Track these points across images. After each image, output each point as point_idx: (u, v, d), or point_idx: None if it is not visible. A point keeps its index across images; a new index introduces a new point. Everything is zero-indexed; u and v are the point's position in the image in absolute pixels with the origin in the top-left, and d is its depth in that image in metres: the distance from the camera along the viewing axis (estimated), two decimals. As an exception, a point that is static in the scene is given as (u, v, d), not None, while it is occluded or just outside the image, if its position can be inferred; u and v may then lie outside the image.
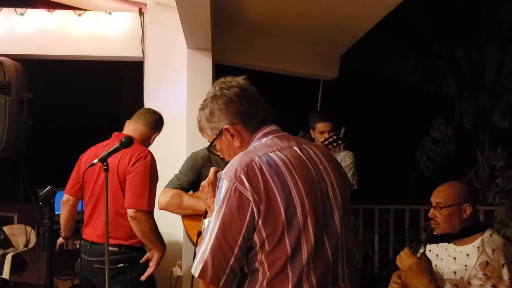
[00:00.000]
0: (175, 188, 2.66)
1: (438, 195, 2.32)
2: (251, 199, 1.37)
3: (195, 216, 2.61)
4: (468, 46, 8.52)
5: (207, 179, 1.67)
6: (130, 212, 2.56)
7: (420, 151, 8.24)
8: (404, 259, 2.13)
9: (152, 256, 2.68)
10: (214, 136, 1.60)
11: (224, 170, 1.45)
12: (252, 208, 1.37)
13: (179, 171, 2.75)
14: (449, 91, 9.09)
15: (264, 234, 1.38)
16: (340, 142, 2.76)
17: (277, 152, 1.46)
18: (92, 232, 2.70)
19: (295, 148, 1.51)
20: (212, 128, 1.60)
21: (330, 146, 2.80)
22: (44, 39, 3.73)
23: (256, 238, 1.39)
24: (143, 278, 2.64)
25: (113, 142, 2.75)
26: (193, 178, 2.67)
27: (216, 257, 1.38)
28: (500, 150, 5.59)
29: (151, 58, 3.73)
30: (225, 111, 1.55)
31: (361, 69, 10.48)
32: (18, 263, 3.98)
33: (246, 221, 1.37)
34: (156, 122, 2.92)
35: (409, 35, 8.88)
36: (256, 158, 1.43)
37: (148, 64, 3.73)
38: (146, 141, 2.87)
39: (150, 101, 3.66)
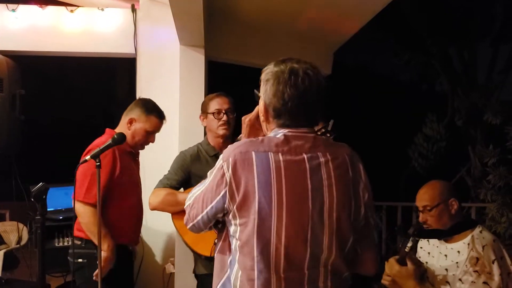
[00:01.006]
0: (164, 187, 2.65)
1: (423, 198, 2.35)
2: (228, 183, 1.46)
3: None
4: (461, 43, 8.55)
5: (249, 115, 1.67)
6: (75, 203, 2.55)
7: (412, 148, 8.26)
8: (389, 268, 2.27)
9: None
10: (259, 94, 1.59)
11: (228, 147, 1.53)
12: (226, 192, 1.46)
13: (169, 171, 2.74)
14: (441, 88, 9.12)
15: (238, 222, 1.47)
16: (328, 135, 2.71)
17: (280, 154, 1.46)
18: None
19: (304, 156, 1.48)
20: (260, 87, 1.57)
21: None
22: (36, 35, 3.70)
23: (232, 219, 1.48)
24: (94, 277, 2.53)
25: (99, 138, 2.74)
26: (182, 177, 2.67)
27: (192, 207, 1.59)
28: (492, 147, 5.63)
29: (144, 54, 3.71)
30: (271, 95, 1.51)
31: (354, 66, 10.51)
32: (10, 260, 3.97)
33: (217, 198, 1.49)
34: (129, 108, 2.83)
35: (402, 33, 8.90)
36: (253, 152, 1.45)
37: (141, 61, 3.72)
38: (123, 129, 2.76)
39: (143, 97, 3.65)
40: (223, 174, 1.46)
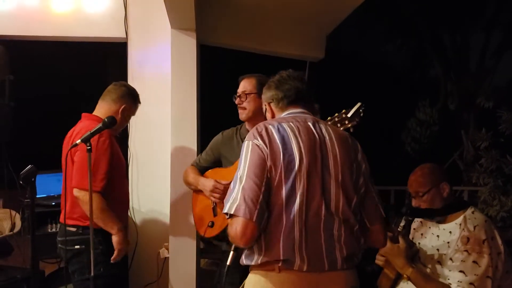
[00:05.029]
0: (192, 165, 2.83)
1: (414, 184, 2.36)
2: (262, 147, 1.74)
3: (198, 192, 2.71)
4: (453, 28, 8.54)
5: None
6: (74, 191, 2.53)
7: (405, 132, 8.29)
8: None
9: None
10: (264, 110, 2.07)
11: (247, 136, 1.84)
12: (263, 153, 1.73)
13: (205, 149, 2.87)
14: (434, 73, 9.12)
15: (273, 173, 1.71)
16: (346, 122, 2.23)
17: (290, 123, 1.83)
18: (62, 213, 2.69)
19: (309, 123, 1.85)
20: (263, 103, 2.08)
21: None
22: (24, 18, 3.61)
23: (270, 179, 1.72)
24: (112, 259, 2.59)
25: (82, 123, 2.72)
26: (211, 157, 2.78)
27: (247, 195, 1.68)
28: (484, 130, 5.66)
29: (135, 38, 3.66)
30: (266, 92, 2.03)
31: (348, 51, 10.46)
32: (4, 247, 3.97)
33: (264, 163, 1.72)
34: (121, 95, 2.81)
35: (395, 18, 8.88)
36: (270, 126, 1.81)
37: (132, 45, 3.67)
38: (111, 114, 2.68)
39: (134, 82, 3.60)
40: (257, 145, 1.77)
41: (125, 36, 3.64)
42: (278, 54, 4.43)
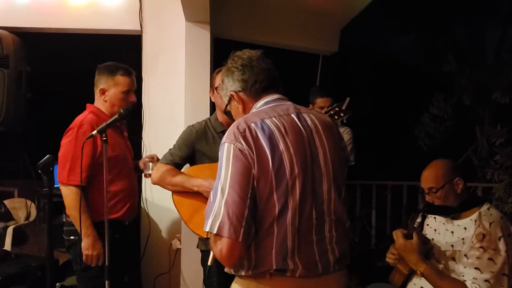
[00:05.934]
0: (166, 163, 2.59)
1: (428, 180, 2.33)
2: (247, 152, 1.50)
3: (184, 194, 2.55)
4: (469, 22, 8.42)
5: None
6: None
7: (419, 127, 8.19)
8: (395, 240, 2.30)
9: None
10: (226, 102, 1.78)
11: (225, 135, 1.58)
12: (248, 160, 1.50)
13: (174, 145, 2.68)
14: (449, 67, 8.99)
15: (261, 183, 1.50)
16: (342, 114, 2.43)
17: (273, 118, 1.60)
18: None
19: (292, 115, 1.64)
20: (224, 95, 1.78)
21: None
22: (40, 11, 3.66)
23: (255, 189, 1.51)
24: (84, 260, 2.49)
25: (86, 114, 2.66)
26: (186, 153, 2.61)
27: (232, 211, 1.46)
28: (500, 126, 5.58)
29: (149, 31, 3.68)
30: (228, 80, 1.73)
31: (362, 44, 10.37)
32: (19, 235, 4.04)
33: (249, 172, 1.50)
34: (96, 81, 2.68)
35: (410, 11, 8.77)
36: (252, 124, 1.57)
37: (146, 38, 3.69)
38: (100, 103, 2.68)
39: (148, 75, 3.63)
40: (240, 150, 1.53)
41: (140, 28, 3.66)
42: (291, 48, 4.42)
